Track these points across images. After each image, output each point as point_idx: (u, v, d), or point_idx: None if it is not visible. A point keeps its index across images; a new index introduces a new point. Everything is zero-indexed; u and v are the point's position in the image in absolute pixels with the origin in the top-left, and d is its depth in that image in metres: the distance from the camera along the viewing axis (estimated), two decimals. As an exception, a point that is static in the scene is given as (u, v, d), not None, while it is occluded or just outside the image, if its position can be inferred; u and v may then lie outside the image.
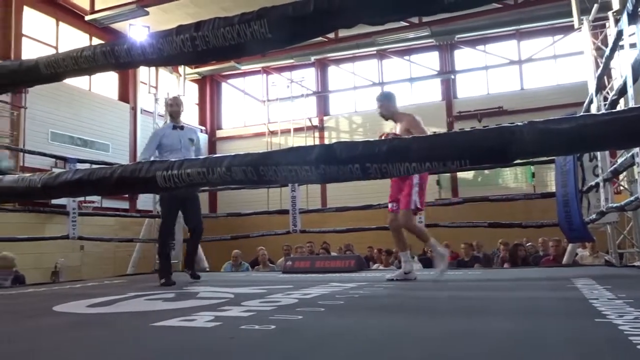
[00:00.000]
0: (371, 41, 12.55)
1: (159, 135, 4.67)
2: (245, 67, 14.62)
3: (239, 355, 1.57)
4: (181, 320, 2.16)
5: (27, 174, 1.47)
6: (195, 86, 15.68)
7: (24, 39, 10.46)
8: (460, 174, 12.31)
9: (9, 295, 3.89)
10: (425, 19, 11.74)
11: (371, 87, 14.34)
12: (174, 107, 4.80)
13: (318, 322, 2.15)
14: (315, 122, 14.58)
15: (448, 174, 12.21)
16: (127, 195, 11.51)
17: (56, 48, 11.12)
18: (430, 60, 14.00)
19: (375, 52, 13.87)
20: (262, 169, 1.08)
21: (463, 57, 13.87)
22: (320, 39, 12.46)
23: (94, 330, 2.25)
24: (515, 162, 2.75)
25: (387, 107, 4.29)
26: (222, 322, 2.09)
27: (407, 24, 11.94)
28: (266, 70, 15.13)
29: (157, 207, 7.75)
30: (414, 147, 0.95)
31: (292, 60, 14.00)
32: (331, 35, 12.82)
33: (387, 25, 12.01)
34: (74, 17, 11.48)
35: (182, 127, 4.73)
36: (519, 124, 1.05)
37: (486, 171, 11.84)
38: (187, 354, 1.61)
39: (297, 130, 14.32)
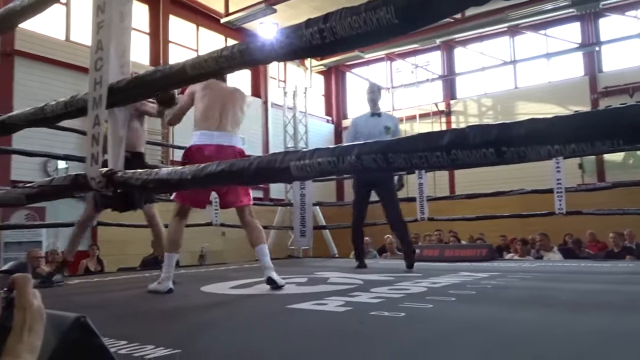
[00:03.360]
0: (502, 17, 11.75)
1: (355, 124, 4.82)
2: (368, 56, 14.61)
3: (369, 340, 1.60)
4: (314, 304, 2.26)
5: (179, 167, 1.63)
6: (321, 77, 16.08)
7: (170, 45, 11.57)
8: (607, 156, 11.07)
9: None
10: (564, -13, 10.70)
11: (502, 66, 13.48)
12: (369, 95, 4.83)
13: (449, 311, 2.11)
14: (442, 106, 14.12)
15: (592, 157, 11.06)
16: (261, 185, 12.22)
17: (197, 51, 12.13)
18: (571, 33, 12.73)
19: (506, 28, 12.97)
20: (391, 157, 1.08)
21: (610, 25, 12.39)
22: (446, 20, 12.00)
23: (236, 310, 2.45)
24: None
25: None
26: (353, 307, 2.14)
27: (544, -5, 10.98)
28: (390, 57, 14.97)
29: (288, 195, 8.13)
30: (558, 127, 0.88)
31: (416, 45, 13.67)
32: (458, 15, 12.26)
33: (519, -2, 11.20)
34: (211, 21, 12.40)
35: (379, 115, 4.77)
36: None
37: (639, 152, 10.51)
38: (320, 337, 1.68)
39: (422, 116, 14.00)
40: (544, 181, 6.60)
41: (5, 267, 0.75)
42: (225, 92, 3.45)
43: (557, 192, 5.44)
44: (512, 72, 13.48)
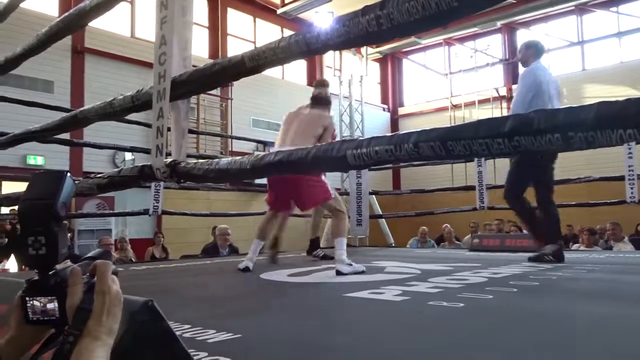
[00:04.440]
0: (569, -5, 11.16)
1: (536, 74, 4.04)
2: (426, 41, 14.29)
3: (426, 330, 1.58)
4: (371, 293, 2.26)
5: (238, 157, 1.67)
6: (377, 65, 15.91)
7: (228, 38, 11.82)
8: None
9: (227, 262, 4.51)
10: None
11: (569, 47, 12.80)
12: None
13: (510, 302, 2.05)
14: (503, 92, 13.61)
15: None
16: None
17: (254, 43, 12.33)
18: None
19: (573, 7, 12.28)
20: (450, 144, 1.05)
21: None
22: (508, 1, 11.51)
23: (295, 297, 2.49)
24: None
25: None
26: (410, 297, 2.13)
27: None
28: (448, 42, 14.57)
29: (344, 184, 8.15)
30: (631, 110, 0.83)
31: (475, 29, 13.23)
32: (520, -4, 11.75)
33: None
34: (268, 12, 12.54)
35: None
36: None
37: None
38: (377, 326, 1.68)
39: (481, 102, 13.56)
40: (612, 168, 6.24)
41: (90, 254, 0.81)
42: (298, 112, 3.93)
43: (629, 179, 5.14)
44: (579, 53, 12.78)
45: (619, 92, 11.31)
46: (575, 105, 0.93)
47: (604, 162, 8.08)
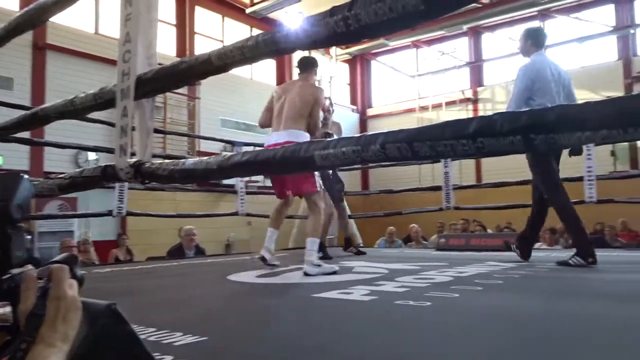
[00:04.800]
0: (532, 1, 11.45)
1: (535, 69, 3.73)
2: (394, 43, 14.44)
3: (395, 329, 1.60)
4: (339, 293, 2.27)
5: (204, 157, 1.65)
6: (346, 66, 15.98)
7: (196, 36, 11.65)
8: (641, 144, 10.75)
9: (193, 264, 4.45)
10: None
11: (531, 52, 13.15)
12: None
13: (475, 301, 2.09)
14: (469, 94, 13.88)
15: (626, 144, 10.73)
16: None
17: (222, 42, 12.20)
18: (604, 16, 12.32)
19: (536, 12, 12.62)
20: (416, 145, 1.07)
21: (646, 7, 11.94)
22: (473, 5, 11.74)
23: (263, 298, 2.48)
24: None
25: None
26: (378, 297, 2.14)
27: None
28: (416, 44, 14.76)
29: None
30: (589, 113, 0.85)
31: (442, 32, 13.44)
32: (486, 0, 12.00)
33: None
34: (237, 11, 12.43)
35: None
36: None
37: (677, 139, 10.13)
38: (345, 325, 1.68)
39: (449, 104, 13.80)
40: (573, 169, 6.45)
41: (56, 258, 0.78)
42: (286, 88, 3.77)
43: (588, 180, 5.31)
44: (541, 58, 13.15)
45: (580, 96, 11.61)
46: (537, 108, 0.95)
47: (564, 164, 8.34)
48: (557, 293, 2.34)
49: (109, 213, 5.28)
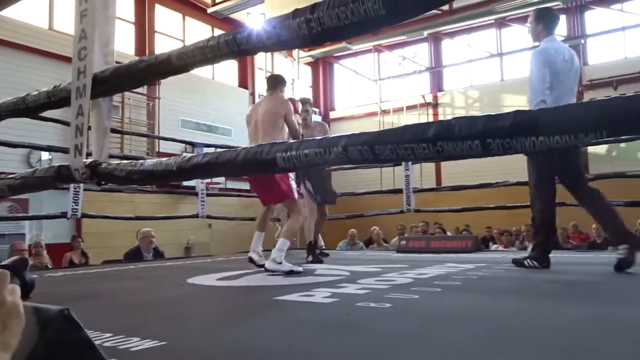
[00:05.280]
0: (489, 9, 11.81)
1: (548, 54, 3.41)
2: (356, 47, 14.59)
3: (356, 331, 1.61)
4: (301, 296, 2.26)
5: (164, 159, 1.62)
6: (309, 69, 16.02)
7: (156, 35, 11.42)
8: (590, 149, 11.20)
9: (152, 267, 4.35)
10: (550, -19, 10.77)
11: (489, 58, 13.54)
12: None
13: (434, 302, 2.13)
14: (429, 98, 14.16)
15: (577, 149, 11.19)
16: (247, 177, 12.16)
17: (183, 41, 12.00)
18: (557, 26, 12.82)
19: (493, 20, 13.03)
20: (377, 148, 1.08)
21: (595, 18, 12.50)
22: (433, 11, 12.00)
23: (223, 302, 2.45)
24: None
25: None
26: (339, 299, 2.15)
27: (530, -12, 11.05)
28: (377, 49, 14.96)
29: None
30: (543, 119, 0.89)
31: (404, 37, 13.67)
32: (445, 8, 12.28)
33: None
34: (198, 10, 12.26)
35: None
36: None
37: (622, 144, 10.64)
38: (306, 328, 1.68)
39: (410, 108, 14.04)
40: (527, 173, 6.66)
41: (4, 262, 0.74)
42: (255, 108, 3.99)
43: (542, 184, 5.49)
44: (498, 65, 13.56)
45: (533, 102, 12.11)
46: (493, 113, 0.98)
47: (520, 167, 8.62)
48: (511, 293, 2.42)
49: (63, 215, 5.10)
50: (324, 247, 7.40)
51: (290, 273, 3.28)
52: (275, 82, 4.03)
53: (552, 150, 2.85)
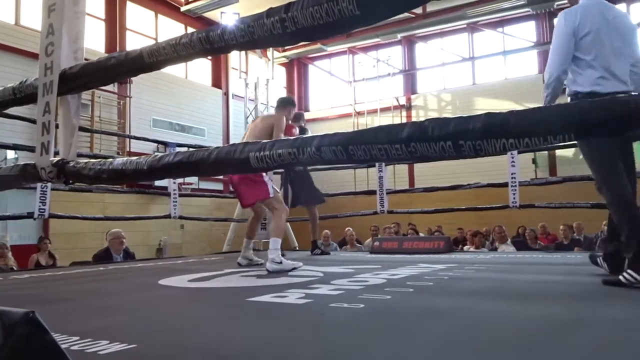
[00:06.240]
0: (461, 14, 12.01)
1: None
2: (331, 49, 14.64)
3: (329, 332, 1.61)
4: (274, 297, 2.25)
5: (134, 157, 1.59)
6: (283, 70, 15.99)
7: (127, 33, 11.22)
8: (559, 152, 11.51)
9: (122, 269, 4.27)
10: (520, -13, 11.00)
11: (461, 62, 13.76)
12: None
13: (407, 302, 2.14)
14: (403, 101, 14.31)
15: (545, 152, 11.48)
16: (221, 177, 12.05)
17: (156, 40, 11.82)
18: (527, 31, 13.13)
19: (465, 25, 13.25)
20: (351, 149, 1.08)
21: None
22: (407, 14, 12.13)
23: (195, 303, 2.41)
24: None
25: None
26: (313, 300, 2.15)
27: (502, -7, 11.28)
28: (352, 51, 15.04)
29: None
30: (513, 121, 0.90)
31: (378, 39, 13.78)
32: (418, 11, 12.43)
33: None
34: (171, 8, 12.11)
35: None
36: (634, 94, 0.96)
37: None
38: (279, 329, 1.67)
39: (383, 110, 14.15)
40: (499, 176, 6.80)
41: None
42: (253, 125, 4.13)
43: (512, 186, 5.62)
44: (470, 69, 13.79)
45: (504, 106, 12.36)
46: (465, 115, 1.00)
47: (491, 170, 8.80)
48: (481, 293, 2.46)
49: (30, 215, 4.96)
50: (297, 248, 7.39)
51: (293, 271, 3.41)
52: (281, 104, 4.21)
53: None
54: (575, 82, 2.63)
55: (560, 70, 2.63)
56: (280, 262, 3.43)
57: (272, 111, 4.59)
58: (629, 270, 2.33)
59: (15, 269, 5.64)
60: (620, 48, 2.56)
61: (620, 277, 2.35)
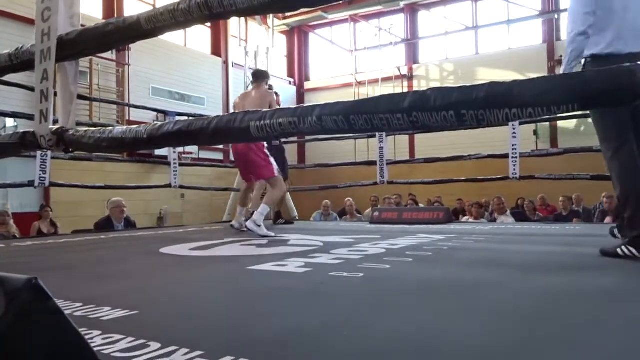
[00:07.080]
0: (465, -18, 11.76)
1: None
2: (332, 17, 14.37)
3: (328, 299, 1.63)
4: (274, 265, 2.28)
5: (133, 126, 1.58)
6: (284, 38, 15.75)
7: (124, -1, 11.01)
8: (560, 123, 11.45)
9: (124, 237, 4.30)
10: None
11: (464, 31, 13.55)
12: None
13: (406, 272, 2.17)
14: (404, 70, 14.15)
15: (547, 123, 11.42)
16: (222, 147, 12.02)
17: (154, 6, 11.60)
18: (532, 0, 12.87)
19: (469, -7, 13.00)
20: (352, 118, 1.07)
21: (569, -6, 12.59)
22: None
23: (196, 271, 2.44)
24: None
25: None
26: (312, 269, 2.17)
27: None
28: (354, 19, 14.77)
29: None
30: (516, 91, 0.89)
31: (380, 7, 13.53)
32: (422, -22, 12.16)
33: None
34: (169, -27, 11.85)
35: None
36: None
37: (590, 119, 10.89)
38: (279, 297, 1.70)
39: (385, 80, 14.00)
40: (499, 147, 6.79)
41: None
42: (244, 98, 4.54)
43: (512, 157, 5.61)
44: (473, 38, 13.58)
45: (507, 76, 12.18)
46: (468, 85, 0.98)
47: (491, 141, 8.77)
48: (480, 263, 2.48)
49: (31, 183, 4.97)
50: (297, 218, 7.43)
51: (264, 237, 3.72)
52: (260, 76, 4.60)
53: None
54: (592, 42, 2.31)
55: (584, 24, 2.29)
56: (260, 226, 3.86)
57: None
58: (628, 246, 2.32)
59: (17, 236, 5.68)
60: None
61: (618, 250, 2.35)
